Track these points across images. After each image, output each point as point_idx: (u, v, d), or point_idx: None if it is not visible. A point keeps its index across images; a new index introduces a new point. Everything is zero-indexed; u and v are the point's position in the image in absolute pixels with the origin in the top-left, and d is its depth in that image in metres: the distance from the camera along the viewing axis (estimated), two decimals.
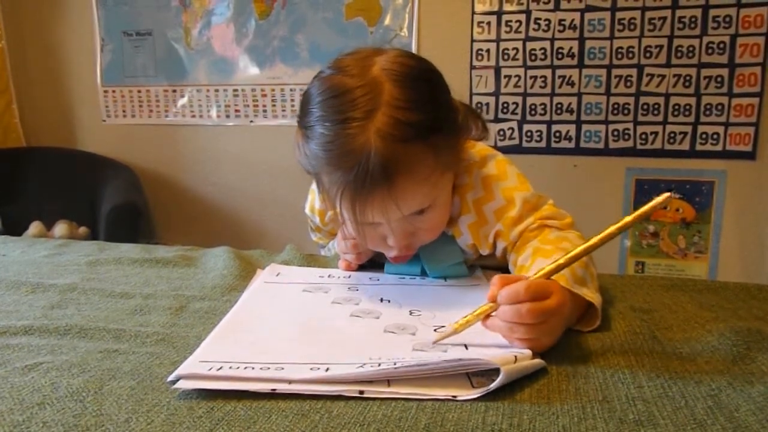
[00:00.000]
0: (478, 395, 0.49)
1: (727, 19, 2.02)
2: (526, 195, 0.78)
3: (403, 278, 0.82)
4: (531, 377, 0.53)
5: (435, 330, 0.63)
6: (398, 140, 0.64)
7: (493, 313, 0.59)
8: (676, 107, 2.11)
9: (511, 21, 2.20)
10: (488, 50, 2.24)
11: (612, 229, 0.58)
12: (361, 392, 0.49)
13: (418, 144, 0.66)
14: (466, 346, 0.59)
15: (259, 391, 0.50)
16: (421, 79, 0.69)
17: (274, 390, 0.50)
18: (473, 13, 2.23)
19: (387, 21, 2.32)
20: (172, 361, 0.57)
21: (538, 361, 0.55)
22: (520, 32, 2.20)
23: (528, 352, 0.55)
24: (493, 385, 0.49)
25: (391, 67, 0.68)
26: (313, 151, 0.69)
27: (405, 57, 0.70)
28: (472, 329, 0.60)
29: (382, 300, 0.73)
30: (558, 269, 0.60)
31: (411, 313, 0.68)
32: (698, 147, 2.12)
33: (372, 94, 0.65)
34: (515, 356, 0.53)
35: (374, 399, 0.49)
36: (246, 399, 0.49)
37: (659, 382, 0.52)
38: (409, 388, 0.50)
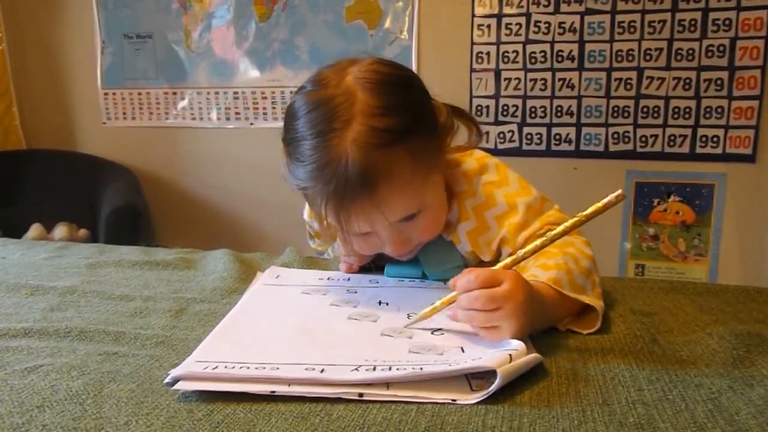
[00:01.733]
0: (478, 400, 0.49)
1: (727, 22, 2.02)
2: (529, 200, 0.77)
3: (403, 281, 0.82)
4: (531, 380, 0.53)
5: (432, 333, 0.63)
6: (375, 147, 0.65)
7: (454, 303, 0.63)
8: (676, 110, 2.11)
9: (511, 24, 2.20)
10: (488, 53, 2.24)
11: (567, 224, 0.62)
12: (361, 395, 0.49)
13: (394, 148, 0.66)
14: (462, 349, 0.59)
15: (259, 393, 0.49)
16: (393, 83, 0.70)
17: (274, 392, 0.50)
18: (473, 16, 2.24)
19: (387, 24, 2.33)
20: (171, 363, 0.57)
21: (534, 355, 0.55)
22: (520, 35, 2.20)
23: (522, 349, 0.55)
24: (492, 388, 0.49)
25: (363, 75, 0.69)
26: (295, 166, 0.70)
27: (378, 64, 0.71)
28: (466, 327, 0.62)
29: (380, 303, 0.73)
30: (516, 261, 0.63)
31: (409, 317, 0.68)
32: (698, 150, 2.12)
33: (346, 104, 0.67)
34: (510, 355, 0.53)
35: (374, 402, 0.49)
36: (246, 402, 0.49)
37: (659, 385, 0.52)
38: (409, 391, 0.49)
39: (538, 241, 0.63)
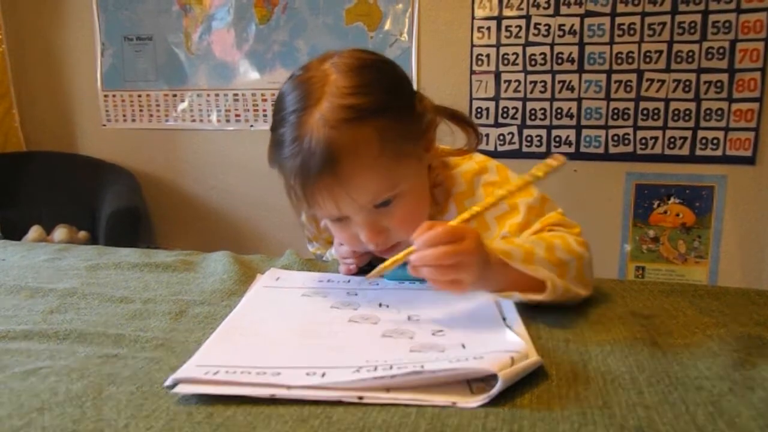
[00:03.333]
0: (478, 404, 0.49)
1: (727, 25, 2.02)
2: (529, 200, 0.77)
3: (403, 283, 0.82)
4: (531, 382, 0.53)
5: (433, 334, 0.63)
6: (340, 122, 0.67)
7: (412, 258, 0.64)
8: (676, 112, 2.12)
9: (511, 26, 2.21)
10: (488, 55, 2.24)
11: (513, 186, 0.67)
12: (361, 398, 0.49)
13: (361, 125, 0.67)
14: (463, 345, 0.58)
15: (258, 396, 0.49)
16: (368, 67, 0.72)
17: (273, 395, 0.49)
18: (473, 18, 2.24)
19: (387, 26, 2.33)
20: (171, 366, 0.56)
21: (535, 359, 0.55)
22: (520, 37, 2.20)
23: (524, 351, 0.55)
24: (493, 392, 0.49)
25: (340, 60, 0.71)
26: (273, 146, 0.72)
27: (359, 52, 0.73)
28: (468, 328, 0.63)
29: (381, 305, 0.73)
30: (472, 216, 0.66)
31: (409, 318, 0.68)
32: (698, 152, 2.12)
33: (319, 84, 0.69)
34: (512, 357, 0.53)
35: (374, 405, 0.49)
36: (245, 404, 0.49)
37: (660, 387, 0.52)
38: (409, 394, 0.49)
39: (492, 198, 0.67)
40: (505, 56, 2.23)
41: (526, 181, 0.66)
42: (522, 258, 0.67)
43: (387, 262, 0.67)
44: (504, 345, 0.57)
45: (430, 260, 0.62)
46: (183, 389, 0.50)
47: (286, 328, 0.67)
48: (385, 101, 0.70)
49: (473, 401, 0.49)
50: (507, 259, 0.66)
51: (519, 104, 2.25)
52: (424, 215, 0.78)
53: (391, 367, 0.52)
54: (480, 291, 0.68)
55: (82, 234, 2.35)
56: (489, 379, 0.51)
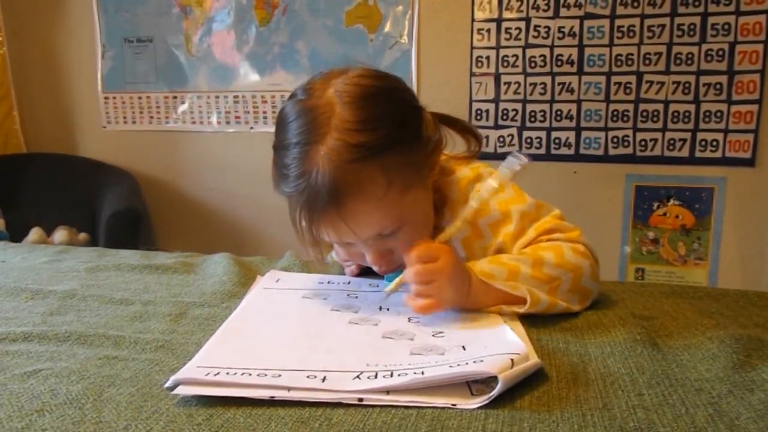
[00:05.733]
0: (478, 405, 0.49)
1: (726, 27, 2.02)
2: (522, 207, 0.77)
3: (403, 286, 0.82)
4: (531, 384, 0.53)
5: (433, 336, 0.63)
6: (345, 162, 0.66)
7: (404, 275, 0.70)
8: (676, 114, 2.12)
9: (510, 28, 2.21)
10: (488, 57, 2.25)
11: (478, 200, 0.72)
12: (361, 400, 0.49)
13: (366, 165, 0.67)
14: (463, 347, 0.59)
15: (258, 398, 0.49)
16: (372, 96, 0.70)
17: (273, 397, 0.50)
18: (473, 20, 2.24)
19: (387, 28, 2.33)
20: (171, 367, 0.56)
21: (534, 361, 0.55)
22: (520, 39, 2.21)
23: (524, 354, 0.55)
24: (493, 394, 0.49)
25: (344, 89, 0.69)
26: (278, 172, 0.72)
27: (362, 77, 0.71)
28: (468, 330, 0.64)
29: (381, 308, 0.73)
30: (449, 236, 0.72)
31: (409, 320, 0.68)
32: (698, 154, 2.12)
33: (324, 117, 0.68)
34: (512, 360, 0.53)
35: (374, 406, 0.49)
36: (245, 406, 0.49)
37: (659, 389, 0.52)
38: (409, 396, 0.49)
39: (466, 211, 0.72)
40: (505, 58, 2.23)
41: (492, 190, 0.72)
42: (505, 278, 0.70)
43: (392, 285, 0.73)
44: (504, 347, 0.57)
45: (409, 279, 0.68)
46: (183, 391, 0.50)
47: (287, 330, 0.67)
48: (390, 136, 0.68)
49: (473, 403, 0.49)
50: (489, 280, 0.69)
51: (519, 106, 2.25)
52: (428, 233, 0.78)
53: (391, 374, 0.52)
54: (464, 309, 0.70)
55: (83, 236, 2.35)
56: (489, 380, 0.51)
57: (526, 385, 0.52)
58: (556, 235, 0.75)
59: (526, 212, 0.77)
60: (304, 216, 0.69)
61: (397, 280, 0.72)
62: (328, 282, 0.84)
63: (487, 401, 0.49)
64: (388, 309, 0.73)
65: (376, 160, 0.67)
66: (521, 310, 0.68)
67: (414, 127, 0.73)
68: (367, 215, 0.69)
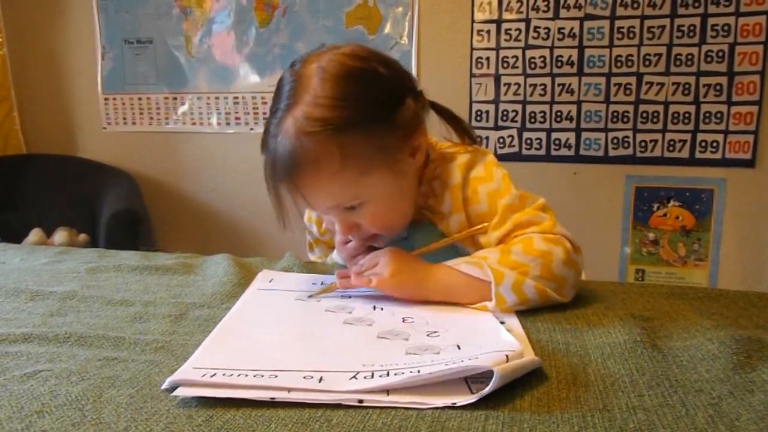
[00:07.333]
0: (476, 399, 0.49)
1: (726, 28, 2.03)
2: (506, 200, 0.78)
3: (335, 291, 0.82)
4: (531, 385, 0.53)
5: (428, 335, 0.63)
6: (303, 133, 0.68)
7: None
8: (676, 115, 2.12)
9: (510, 29, 2.21)
10: (488, 58, 2.25)
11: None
12: (361, 401, 0.49)
13: (325, 139, 0.68)
14: (458, 346, 0.59)
15: (258, 399, 0.49)
16: (350, 77, 0.71)
17: (273, 399, 0.49)
18: (473, 21, 2.24)
19: (387, 29, 2.33)
20: (171, 369, 0.56)
21: (531, 357, 0.55)
22: (520, 40, 2.21)
23: (519, 350, 0.55)
24: (489, 388, 0.49)
25: (326, 65, 0.71)
26: (265, 127, 0.76)
27: (348, 56, 0.73)
28: (462, 329, 0.64)
29: (375, 308, 0.73)
30: (428, 251, 0.79)
31: (404, 320, 0.68)
32: (698, 155, 2.12)
33: (301, 88, 0.71)
34: (506, 356, 0.53)
35: (374, 408, 0.49)
36: (245, 407, 0.49)
37: (660, 390, 0.52)
38: (409, 397, 0.49)
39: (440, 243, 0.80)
40: (505, 59, 2.23)
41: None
42: (468, 263, 0.72)
43: (320, 289, 0.79)
44: (498, 345, 0.57)
45: (356, 281, 0.75)
46: (182, 392, 0.50)
47: (282, 331, 0.67)
48: (355, 118, 0.70)
49: (473, 398, 0.49)
50: (453, 265, 0.72)
51: (519, 107, 2.25)
52: (397, 214, 0.79)
53: (387, 374, 0.52)
54: (453, 305, 0.72)
55: (82, 237, 2.35)
56: (488, 380, 0.51)
57: (526, 385, 0.52)
58: (531, 229, 0.76)
59: (510, 204, 0.77)
60: (268, 176, 0.73)
61: (326, 286, 0.78)
62: (322, 283, 0.84)
63: (486, 393, 0.49)
64: (382, 309, 0.73)
65: (335, 138, 0.69)
66: (491, 304, 0.70)
67: (387, 111, 0.73)
68: (318, 188, 0.72)
